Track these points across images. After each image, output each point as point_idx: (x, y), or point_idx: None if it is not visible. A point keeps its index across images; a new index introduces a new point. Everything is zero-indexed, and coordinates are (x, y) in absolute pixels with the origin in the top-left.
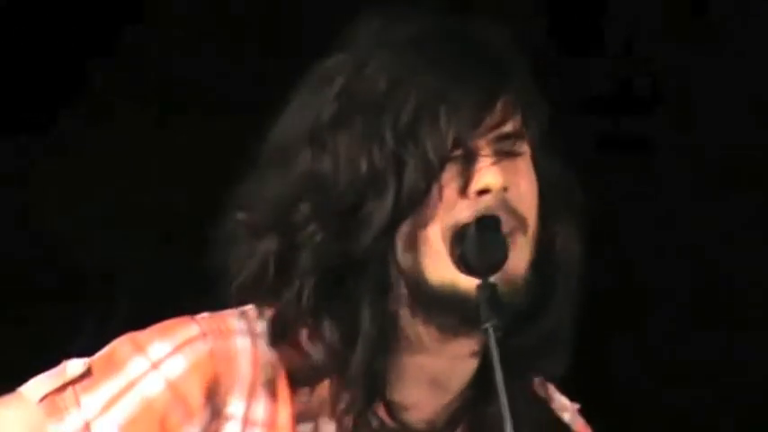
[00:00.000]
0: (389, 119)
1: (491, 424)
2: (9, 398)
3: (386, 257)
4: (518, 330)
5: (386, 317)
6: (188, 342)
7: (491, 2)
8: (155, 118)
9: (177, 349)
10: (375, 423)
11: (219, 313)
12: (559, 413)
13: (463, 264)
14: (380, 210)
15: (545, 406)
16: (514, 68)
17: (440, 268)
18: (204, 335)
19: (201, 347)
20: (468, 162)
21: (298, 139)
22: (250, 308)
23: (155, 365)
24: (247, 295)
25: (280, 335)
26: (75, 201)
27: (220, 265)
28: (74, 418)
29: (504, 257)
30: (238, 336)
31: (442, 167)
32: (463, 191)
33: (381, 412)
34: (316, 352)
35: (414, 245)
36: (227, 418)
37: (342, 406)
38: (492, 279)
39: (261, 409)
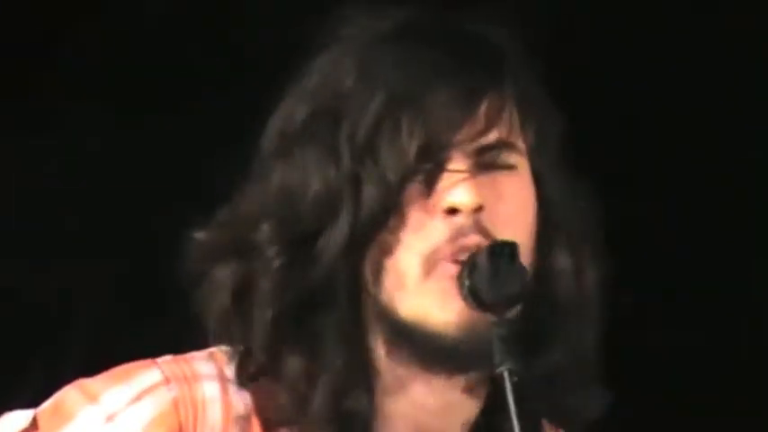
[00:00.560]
0: (347, 129)
1: None
2: None
3: (354, 289)
4: (519, 366)
5: (357, 355)
6: (149, 390)
7: None
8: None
9: (136, 398)
10: None
11: (184, 356)
12: None
13: (473, 298)
14: (337, 234)
15: None
16: (510, 67)
17: (410, 301)
18: (168, 380)
19: (164, 395)
20: (433, 177)
21: (271, 147)
22: (220, 349)
23: (110, 418)
24: (218, 333)
25: (247, 377)
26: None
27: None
28: None
29: (522, 290)
30: (206, 381)
31: (402, 186)
32: (430, 211)
33: None
34: (280, 392)
35: (382, 274)
36: None
37: None
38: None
39: None
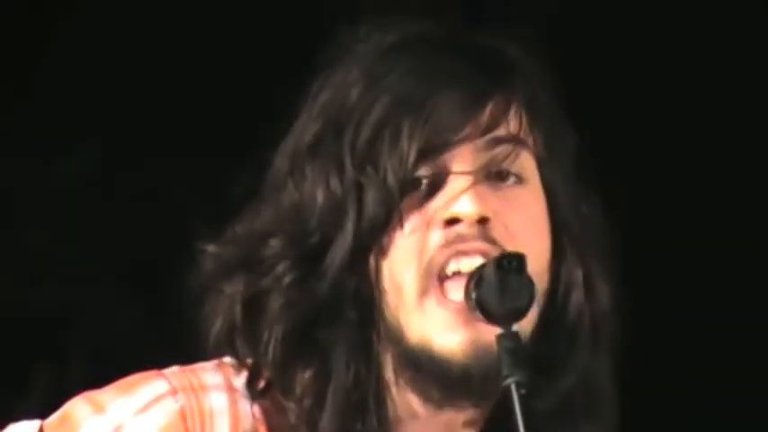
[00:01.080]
0: (349, 137)
1: None
2: None
3: (361, 305)
4: (533, 389)
5: (366, 371)
6: (156, 400)
7: None
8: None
9: (143, 409)
10: None
11: (192, 366)
12: None
13: (480, 310)
14: (342, 244)
15: None
16: (520, 74)
17: (414, 324)
18: (174, 391)
19: (171, 406)
20: (435, 183)
21: (283, 165)
22: (228, 360)
23: (117, 429)
24: (222, 346)
25: (258, 390)
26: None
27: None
28: None
29: (530, 302)
30: (214, 392)
31: (402, 191)
32: (430, 221)
33: None
34: (289, 409)
35: (384, 290)
36: None
37: None
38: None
39: None
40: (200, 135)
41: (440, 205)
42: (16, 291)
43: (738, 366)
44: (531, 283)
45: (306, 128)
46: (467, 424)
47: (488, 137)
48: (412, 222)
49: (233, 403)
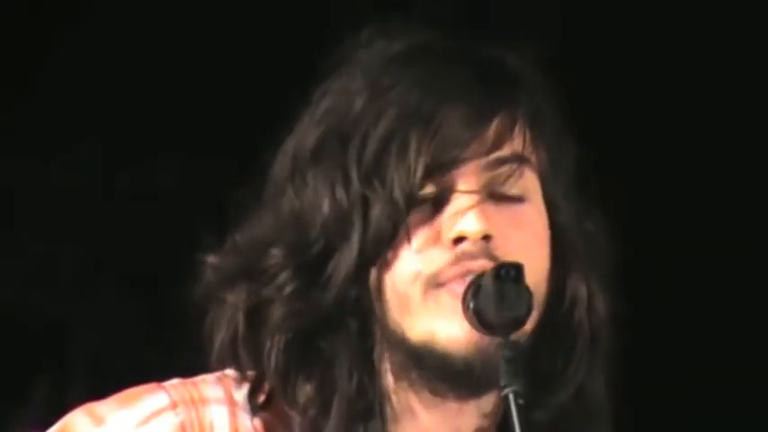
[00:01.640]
0: (356, 148)
1: None
2: None
3: (363, 314)
4: (532, 401)
5: (368, 380)
6: (156, 414)
7: None
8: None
9: (143, 422)
10: None
11: (192, 379)
12: None
13: (478, 319)
14: (346, 257)
15: None
16: (524, 89)
17: (416, 323)
18: (174, 405)
19: (171, 420)
20: (442, 200)
21: (283, 172)
22: (229, 372)
23: None
24: (225, 356)
25: (260, 403)
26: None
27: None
28: None
29: (528, 312)
30: (214, 405)
31: (409, 206)
32: (437, 238)
33: None
34: (293, 419)
35: (388, 300)
36: None
37: None
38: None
39: None
40: (200, 135)
41: (446, 222)
42: (16, 291)
43: (738, 366)
44: (529, 292)
45: (307, 133)
46: (467, 426)
47: (493, 156)
48: (419, 238)
49: (233, 417)
